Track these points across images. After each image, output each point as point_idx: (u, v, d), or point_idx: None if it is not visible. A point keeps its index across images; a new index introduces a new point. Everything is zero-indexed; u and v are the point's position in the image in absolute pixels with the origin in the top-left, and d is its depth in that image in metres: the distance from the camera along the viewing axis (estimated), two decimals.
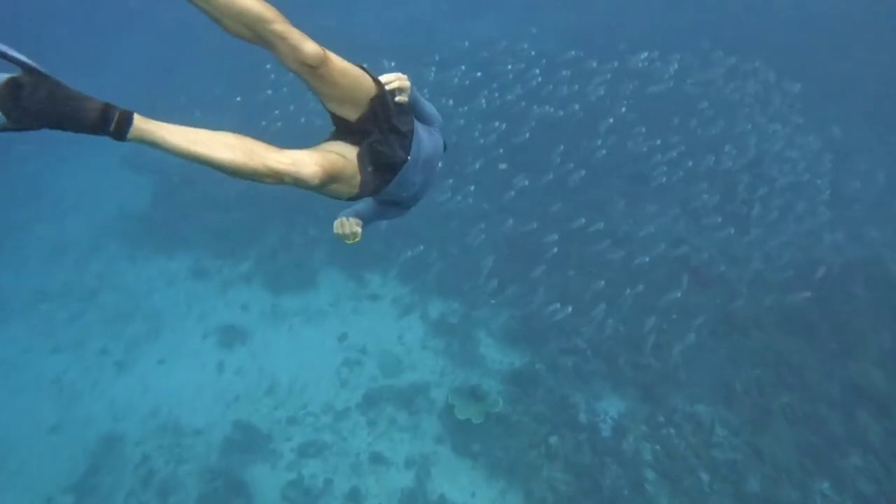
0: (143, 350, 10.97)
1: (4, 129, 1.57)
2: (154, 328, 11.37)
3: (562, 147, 12.13)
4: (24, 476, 9.11)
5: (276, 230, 12.93)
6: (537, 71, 14.19)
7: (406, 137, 2.85)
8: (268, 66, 15.64)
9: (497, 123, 12.88)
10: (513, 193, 11.55)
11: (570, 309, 9.80)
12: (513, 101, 13.56)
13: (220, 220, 13.33)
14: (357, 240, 3.03)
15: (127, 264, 12.91)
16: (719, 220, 11.10)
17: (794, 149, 13.24)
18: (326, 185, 2.39)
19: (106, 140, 1.86)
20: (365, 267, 12.01)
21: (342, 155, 2.54)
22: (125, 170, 16.22)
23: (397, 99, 2.79)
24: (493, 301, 10.83)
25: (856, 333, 9.06)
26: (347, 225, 2.98)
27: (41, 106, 1.60)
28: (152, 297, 12.05)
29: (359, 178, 2.61)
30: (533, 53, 15.52)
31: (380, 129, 2.73)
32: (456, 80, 14.96)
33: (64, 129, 1.67)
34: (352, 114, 2.68)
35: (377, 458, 8.85)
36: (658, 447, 8.44)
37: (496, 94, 13.93)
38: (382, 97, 2.71)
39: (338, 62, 2.50)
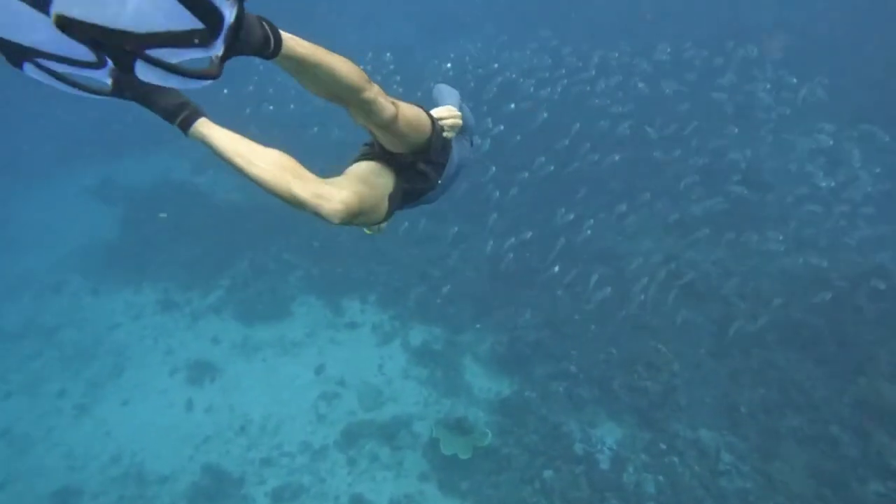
0: (105, 391, 10.22)
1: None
2: (118, 366, 10.62)
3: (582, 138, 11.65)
4: None
5: (247, 257, 12.30)
6: (549, 60, 14.47)
7: (442, 166, 2.82)
8: (257, 62, 15.71)
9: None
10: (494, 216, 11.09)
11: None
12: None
13: (190, 249, 12.69)
14: (380, 232, 3.10)
15: (90, 298, 12.19)
16: (712, 231, 10.60)
17: (797, 153, 12.90)
18: (349, 223, 2.27)
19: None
20: (342, 293, 11.40)
21: (374, 186, 2.46)
22: (93, 199, 15.61)
23: (444, 135, 2.70)
24: (477, 325, 10.27)
25: (864, 348, 8.54)
26: None
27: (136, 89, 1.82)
28: (116, 332, 11.32)
29: (385, 208, 2.50)
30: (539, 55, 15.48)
31: (421, 161, 2.69)
32: (471, 79, 14.98)
33: (150, 109, 1.94)
34: (397, 149, 2.60)
35: (358, 501, 8.16)
36: (661, 478, 7.82)
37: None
38: (433, 140, 2.65)
39: (405, 117, 2.43)
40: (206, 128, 2.02)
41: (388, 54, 15.85)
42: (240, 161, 2.04)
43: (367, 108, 2.27)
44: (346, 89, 2.15)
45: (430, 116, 2.67)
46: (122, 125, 18.29)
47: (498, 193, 11.24)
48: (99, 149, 18.00)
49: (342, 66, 2.10)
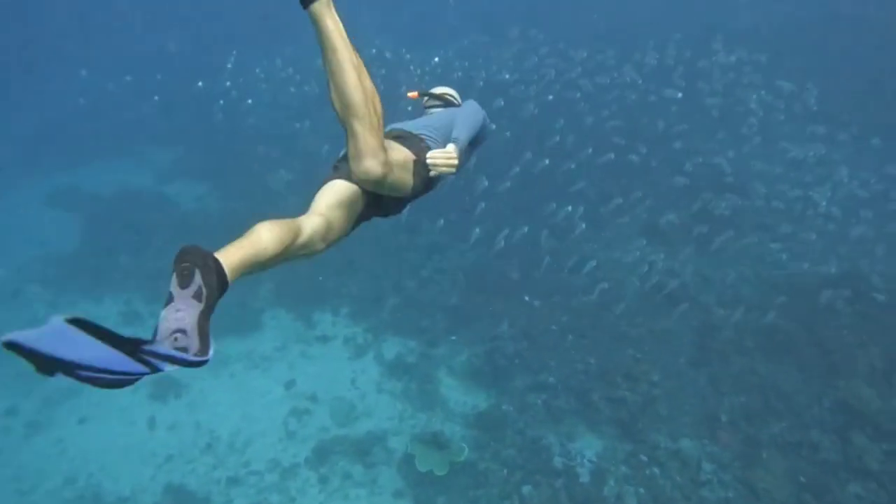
0: (62, 408, 9.67)
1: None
2: (75, 382, 10.05)
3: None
4: None
5: None
6: (536, 58, 14.46)
7: (411, 202, 2.91)
8: (233, 52, 16.94)
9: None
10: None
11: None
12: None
13: (154, 259, 12.22)
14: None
15: (47, 311, 11.60)
16: (692, 238, 10.56)
17: (783, 158, 12.95)
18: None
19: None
20: (313, 305, 11.06)
21: (346, 215, 2.57)
22: (52, 207, 15.02)
23: (430, 174, 2.65)
24: (453, 337, 10.03)
25: (842, 351, 8.56)
26: None
27: None
28: None
29: (350, 227, 2.66)
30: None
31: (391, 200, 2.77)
32: (458, 76, 15.04)
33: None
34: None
35: None
36: (642, 490, 7.65)
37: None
38: (408, 197, 2.74)
39: (392, 179, 2.48)
40: (233, 275, 1.97)
41: (374, 50, 15.87)
42: (259, 266, 2.06)
43: (353, 142, 2.34)
44: (345, 102, 2.28)
45: (419, 168, 2.65)
46: (84, 132, 17.82)
47: (487, 183, 11.04)
48: (61, 155, 17.41)
49: (351, 74, 2.26)
